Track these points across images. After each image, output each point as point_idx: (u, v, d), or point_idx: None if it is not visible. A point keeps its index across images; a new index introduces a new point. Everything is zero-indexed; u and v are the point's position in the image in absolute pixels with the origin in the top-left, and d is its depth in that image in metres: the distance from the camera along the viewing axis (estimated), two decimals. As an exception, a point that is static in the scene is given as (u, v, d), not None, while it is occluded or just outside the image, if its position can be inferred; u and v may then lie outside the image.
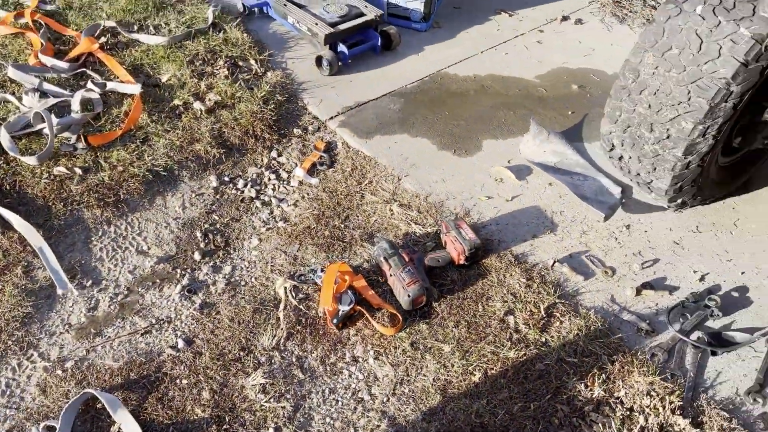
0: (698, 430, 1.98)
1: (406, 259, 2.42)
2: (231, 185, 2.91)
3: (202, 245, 2.63)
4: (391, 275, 2.40)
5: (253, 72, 3.48)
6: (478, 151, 3.11)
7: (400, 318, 2.30)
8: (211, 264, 2.56)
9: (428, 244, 2.61)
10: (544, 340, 2.26)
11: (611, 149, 2.64)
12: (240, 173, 2.97)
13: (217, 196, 2.85)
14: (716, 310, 2.32)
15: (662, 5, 2.24)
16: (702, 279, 2.49)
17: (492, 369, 2.17)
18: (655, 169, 2.47)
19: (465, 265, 2.49)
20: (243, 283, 2.49)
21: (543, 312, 2.33)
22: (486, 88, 3.53)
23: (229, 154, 3.05)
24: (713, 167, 2.53)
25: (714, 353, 2.21)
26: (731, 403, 2.08)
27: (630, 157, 2.56)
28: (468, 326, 2.31)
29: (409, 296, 2.30)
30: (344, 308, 2.30)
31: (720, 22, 2.08)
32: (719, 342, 2.24)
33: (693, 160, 2.35)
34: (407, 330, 2.30)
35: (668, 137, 2.32)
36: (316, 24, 3.52)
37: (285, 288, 2.43)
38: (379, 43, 3.67)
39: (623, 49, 3.86)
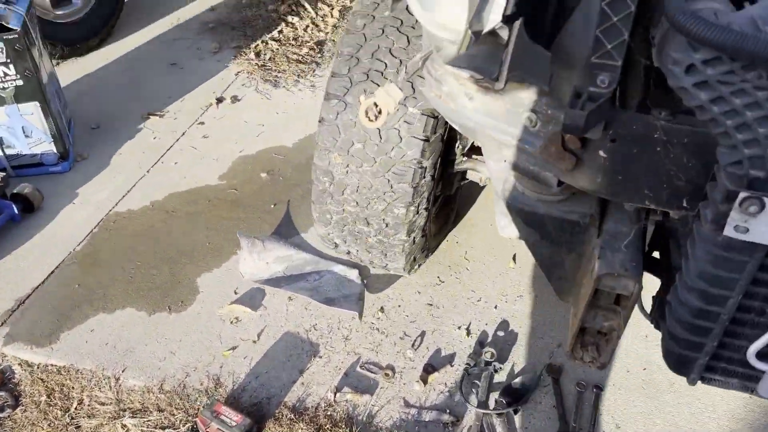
0: None
1: (173, 493, 1.88)
2: None
3: None
4: None
5: None
6: (197, 295, 2.64)
7: None
8: None
9: (190, 448, 2.10)
10: (367, 497, 1.97)
11: (336, 247, 2.46)
12: None
13: None
14: (496, 364, 2.31)
15: (325, 103, 2.09)
16: (468, 332, 2.47)
17: None
18: (386, 255, 2.35)
19: (244, 453, 2.05)
20: None
21: (350, 462, 2.04)
22: (172, 213, 3.05)
23: None
24: (431, 224, 2.53)
25: (516, 411, 2.19)
26: (555, 459, 2.07)
27: (358, 251, 2.40)
28: None
29: None
30: None
31: (388, 107, 2.00)
32: (514, 397, 2.22)
33: (416, 234, 2.29)
34: None
35: (387, 225, 2.20)
36: None
37: None
38: (17, 210, 2.89)
39: (290, 114, 3.75)
